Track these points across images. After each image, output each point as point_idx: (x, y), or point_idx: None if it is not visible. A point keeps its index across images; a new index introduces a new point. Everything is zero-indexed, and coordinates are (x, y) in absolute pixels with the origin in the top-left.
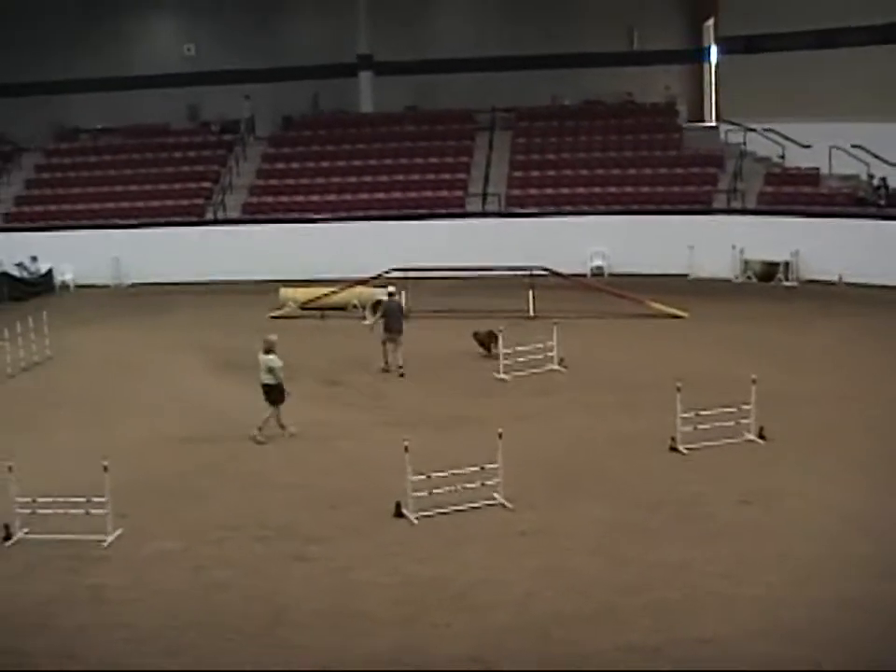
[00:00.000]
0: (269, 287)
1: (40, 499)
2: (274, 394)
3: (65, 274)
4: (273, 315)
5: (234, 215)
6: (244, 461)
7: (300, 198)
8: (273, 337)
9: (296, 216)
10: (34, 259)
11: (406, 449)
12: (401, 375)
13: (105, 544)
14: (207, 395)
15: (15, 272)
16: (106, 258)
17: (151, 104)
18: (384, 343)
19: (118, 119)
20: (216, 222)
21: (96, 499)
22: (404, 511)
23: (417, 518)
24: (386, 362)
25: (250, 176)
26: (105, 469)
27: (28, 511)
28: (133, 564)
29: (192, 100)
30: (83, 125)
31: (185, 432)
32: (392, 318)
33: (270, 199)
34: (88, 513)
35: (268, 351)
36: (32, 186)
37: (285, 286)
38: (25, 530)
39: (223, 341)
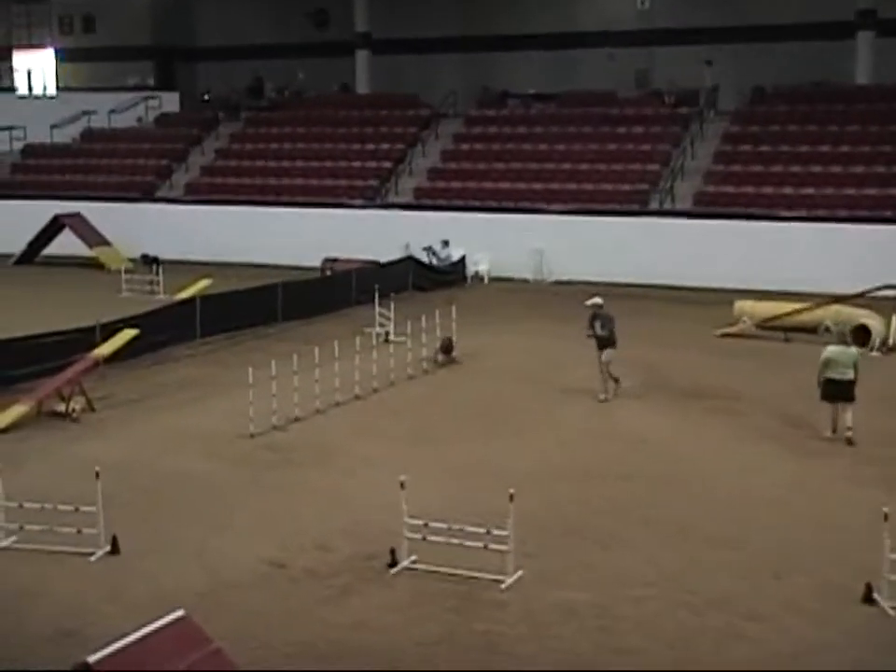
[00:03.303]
0: (719, 298)
1: (433, 524)
2: (853, 390)
3: (479, 264)
4: (722, 331)
5: (684, 206)
6: (667, 505)
7: (767, 189)
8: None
9: (759, 211)
10: (445, 243)
11: (885, 517)
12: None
13: (503, 586)
14: (627, 420)
15: (423, 257)
16: (528, 248)
17: (594, 67)
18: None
19: (554, 84)
20: (661, 213)
21: (497, 532)
22: (875, 596)
23: (894, 608)
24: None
25: (707, 160)
26: (511, 498)
27: (418, 535)
28: (532, 613)
29: (643, 63)
30: (512, 89)
31: (598, 463)
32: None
33: (729, 188)
34: (486, 547)
35: (845, 343)
36: (448, 158)
37: (740, 297)
38: (413, 558)
39: (658, 357)
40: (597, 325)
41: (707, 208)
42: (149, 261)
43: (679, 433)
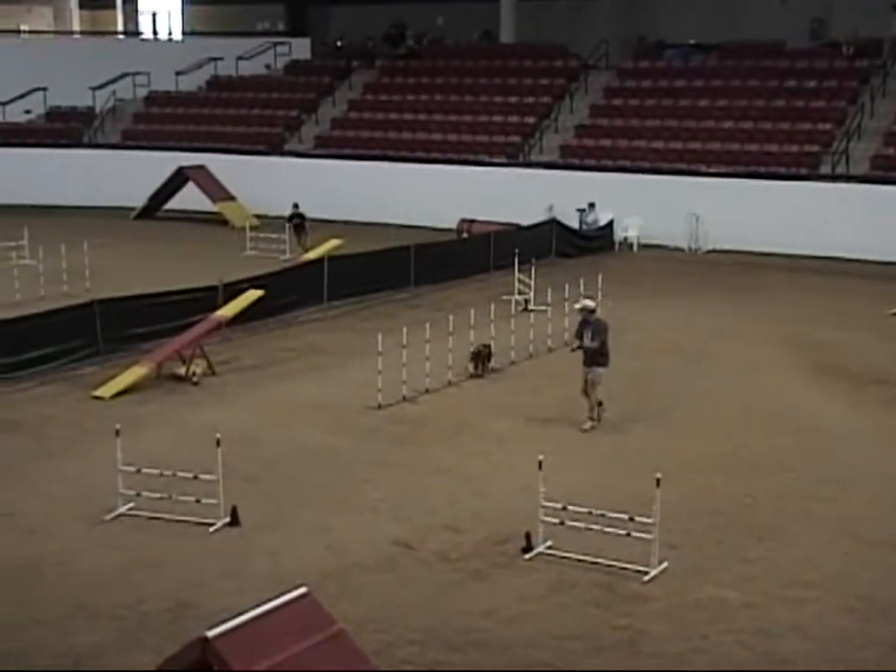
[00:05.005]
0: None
1: (571, 508)
2: None
3: (628, 230)
4: None
5: (860, 170)
6: (835, 500)
7: None
8: None
9: None
10: (590, 206)
11: None
12: (591, 424)
13: (646, 578)
14: (795, 407)
15: (569, 220)
16: (682, 213)
17: (762, 14)
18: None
19: (716, 33)
20: (833, 178)
21: (641, 519)
22: None
23: None
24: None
25: (887, 119)
26: (658, 483)
27: (555, 520)
28: (677, 609)
29: (819, 11)
30: (670, 39)
31: (760, 451)
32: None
33: None
34: (629, 535)
35: None
36: (597, 114)
37: None
38: (548, 543)
39: (826, 337)
40: (587, 334)
41: (886, 173)
42: (295, 219)
43: (854, 423)
